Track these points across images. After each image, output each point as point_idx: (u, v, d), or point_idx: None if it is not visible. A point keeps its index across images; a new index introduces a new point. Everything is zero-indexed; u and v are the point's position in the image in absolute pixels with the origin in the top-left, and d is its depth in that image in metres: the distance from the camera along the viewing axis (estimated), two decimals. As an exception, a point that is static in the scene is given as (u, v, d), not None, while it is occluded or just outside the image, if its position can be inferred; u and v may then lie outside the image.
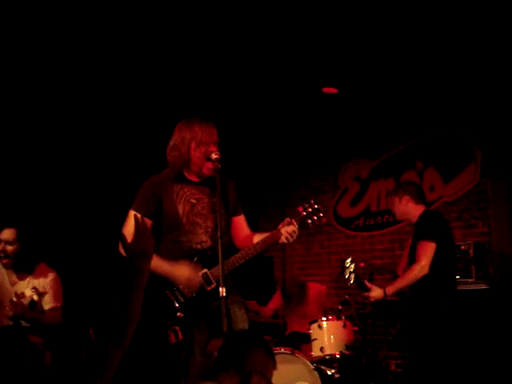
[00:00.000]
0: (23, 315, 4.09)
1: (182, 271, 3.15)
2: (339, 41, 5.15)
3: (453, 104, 6.46)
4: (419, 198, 4.70)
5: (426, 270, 4.29)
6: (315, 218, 3.30)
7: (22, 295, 4.08)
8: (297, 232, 3.24)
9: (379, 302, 5.67)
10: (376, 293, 4.40)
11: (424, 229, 4.44)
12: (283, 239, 3.22)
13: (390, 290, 4.42)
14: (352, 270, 4.42)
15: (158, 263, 3.11)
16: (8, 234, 4.19)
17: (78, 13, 4.48)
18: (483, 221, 6.38)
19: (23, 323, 4.16)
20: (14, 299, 4.06)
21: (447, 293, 4.38)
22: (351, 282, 4.41)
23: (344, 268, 4.45)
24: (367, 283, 4.43)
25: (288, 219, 3.26)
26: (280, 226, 3.26)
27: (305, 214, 3.29)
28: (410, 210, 4.64)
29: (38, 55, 5.03)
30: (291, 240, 3.24)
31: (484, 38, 5.05)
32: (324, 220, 3.35)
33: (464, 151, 6.54)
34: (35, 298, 4.11)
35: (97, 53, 5.10)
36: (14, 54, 4.98)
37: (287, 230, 3.21)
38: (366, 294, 4.42)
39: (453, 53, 5.36)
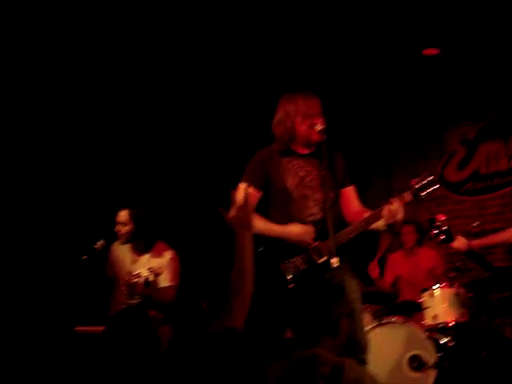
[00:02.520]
0: (137, 292, 4.29)
1: (294, 227, 3.21)
2: None
3: None
4: None
5: None
6: (429, 190, 3.24)
7: (138, 275, 4.27)
8: (399, 211, 3.17)
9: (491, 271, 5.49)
10: (459, 243, 4.20)
11: None
12: (385, 216, 3.18)
13: (476, 243, 4.19)
14: (443, 229, 4.24)
15: (269, 226, 3.25)
16: (122, 215, 4.42)
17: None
18: None
19: (137, 299, 4.36)
20: (128, 279, 4.28)
21: None
22: (442, 238, 4.23)
23: (434, 226, 4.28)
24: (453, 234, 4.23)
25: (391, 199, 3.21)
26: (383, 206, 3.21)
27: (417, 186, 3.23)
28: None
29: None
30: (394, 218, 3.18)
31: None
32: (438, 192, 3.29)
33: None
34: (151, 278, 4.26)
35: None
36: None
37: (390, 208, 3.18)
38: (449, 244, 4.23)
39: None
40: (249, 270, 2.32)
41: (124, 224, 4.40)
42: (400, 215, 3.17)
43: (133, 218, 4.39)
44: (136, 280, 4.24)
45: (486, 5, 5.09)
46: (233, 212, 2.50)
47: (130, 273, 4.33)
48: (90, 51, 5.21)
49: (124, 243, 4.45)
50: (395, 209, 3.15)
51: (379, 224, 3.24)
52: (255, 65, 5.92)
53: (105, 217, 4.62)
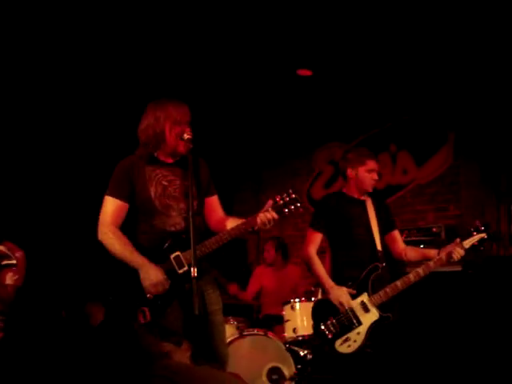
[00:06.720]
0: None
1: (152, 275, 3.11)
2: (313, 22, 5.14)
3: (426, 87, 6.49)
4: None
5: None
6: (292, 207, 3.28)
7: None
8: (275, 219, 3.22)
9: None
10: None
11: None
12: (259, 224, 3.21)
13: None
14: None
15: (132, 256, 3.15)
16: None
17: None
18: (455, 204, 6.45)
19: None
20: None
21: None
22: None
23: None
24: None
25: (268, 205, 3.24)
26: (259, 212, 3.24)
27: (282, 202, 3.27)
28: None
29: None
30: (267, 226, 3.22)
31: (458, 23, 5.09)
32: (300, 210, 3.33)
33: (437, 134, 6.59)
34: None
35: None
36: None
37: (266, 216, 3.20)
38: None
39: (426, 37, 5.38)
40: None
41: None
42: (270, 225, 3.21)
43: None
44: None
45: (357, 33, 5.33)
46: None
47: None
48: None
49: None
50: (270, 217, 3.20)
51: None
52: (124, 72, 5.84)
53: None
